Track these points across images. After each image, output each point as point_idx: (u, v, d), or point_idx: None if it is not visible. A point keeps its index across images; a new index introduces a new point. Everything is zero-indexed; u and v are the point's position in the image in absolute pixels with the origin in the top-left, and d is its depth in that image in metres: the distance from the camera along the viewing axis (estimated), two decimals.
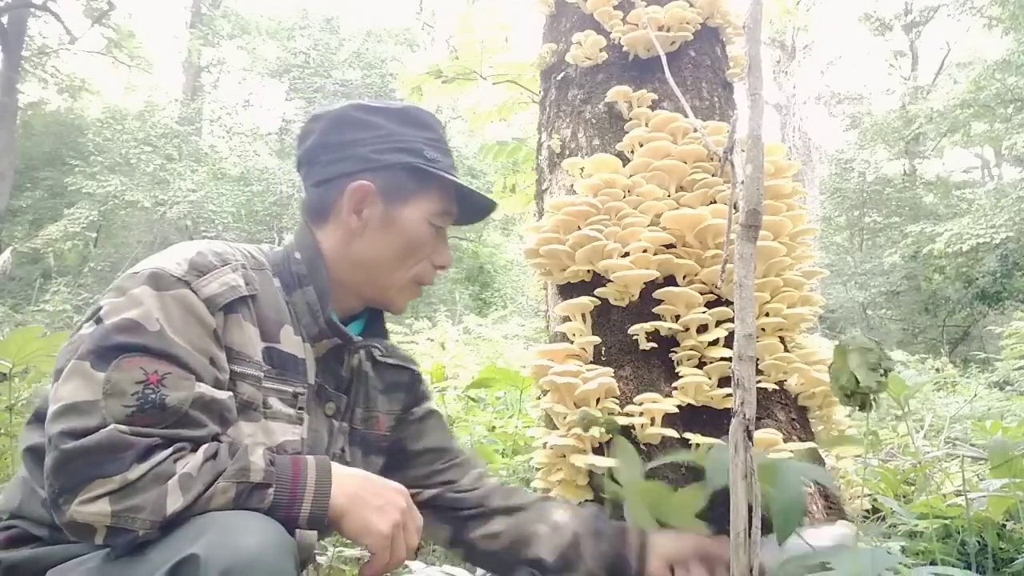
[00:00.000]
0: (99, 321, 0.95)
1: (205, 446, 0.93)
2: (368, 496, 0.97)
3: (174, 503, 0.87)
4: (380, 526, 0.95)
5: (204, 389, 0.95)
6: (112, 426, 0.88)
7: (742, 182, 1.42)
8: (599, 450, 1.58)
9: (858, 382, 1.15)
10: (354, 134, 1.15)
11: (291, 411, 1.10)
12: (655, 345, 1.69)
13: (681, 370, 1.65)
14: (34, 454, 1.03)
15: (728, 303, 1.61)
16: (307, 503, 0.93)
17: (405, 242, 1.16)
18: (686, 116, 1.82)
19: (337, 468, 0.98)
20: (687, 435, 1.60)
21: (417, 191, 1.16)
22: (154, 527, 0.87)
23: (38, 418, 1.04)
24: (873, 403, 1.17)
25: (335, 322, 1.16)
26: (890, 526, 2.09)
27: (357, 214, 1.14)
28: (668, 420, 1.59)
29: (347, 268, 1.16)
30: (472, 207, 1.27)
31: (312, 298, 1.12)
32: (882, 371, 1.17)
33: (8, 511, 1.06)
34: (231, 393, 1.01)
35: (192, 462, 0.90)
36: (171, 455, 0.89)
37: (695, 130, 1.80)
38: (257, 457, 0.93)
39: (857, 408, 1.18)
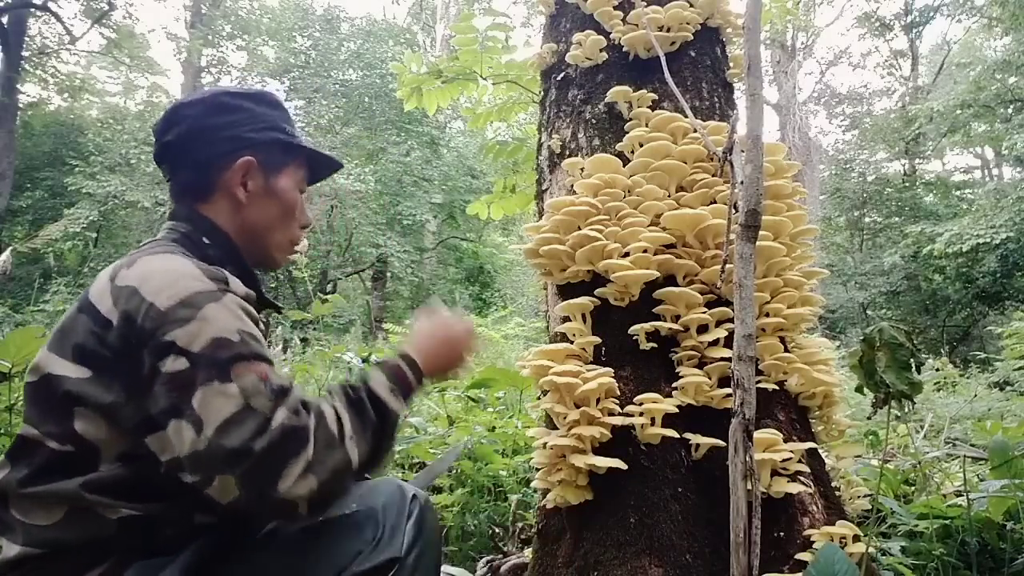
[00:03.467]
0: (183, 351, 1.01)
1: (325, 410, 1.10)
2: (443, 359, 1.31)
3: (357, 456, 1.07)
4: (459, 367, 1.36)
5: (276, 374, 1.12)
6: (277, 418, 1.01)
7: (742, 182, 1.42)
8: (599, 450, 1.58)
9: (887, 385, 1.12)
10: (228, 117, 1.31)
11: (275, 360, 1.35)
12: (655, 345, 1.69)
13: (681, 370, 1.65)
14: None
15: (728, 303, 1.61)
16: (415, 391, 1.24)
17: (284, 207, 1.34)
18: (686, 116, 1.82)
19: (416, 353, 1.26)
20: (687, 435, 1.60)
21: (287, 162, 1.35)
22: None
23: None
24: (907, 405, 1.12)
25: (262, 291, 1.34)
26: (890, 526, 2.08)
27: (243, 187, 1.29)
28: (668, 420, 1.59)
29: (237, 236, 1.31)
30: (322, 166, 1.46)
31: (237, 275, 1.27)
32: (915, 368, 1.12)
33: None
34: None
35: (340, 422, 1.08)
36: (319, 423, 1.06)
37: (695, 130, 1.80)
38: (386, 394, 1.17)
39: (886, 408, 1.13)
